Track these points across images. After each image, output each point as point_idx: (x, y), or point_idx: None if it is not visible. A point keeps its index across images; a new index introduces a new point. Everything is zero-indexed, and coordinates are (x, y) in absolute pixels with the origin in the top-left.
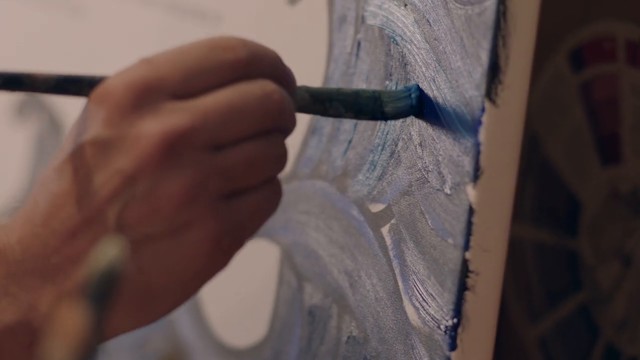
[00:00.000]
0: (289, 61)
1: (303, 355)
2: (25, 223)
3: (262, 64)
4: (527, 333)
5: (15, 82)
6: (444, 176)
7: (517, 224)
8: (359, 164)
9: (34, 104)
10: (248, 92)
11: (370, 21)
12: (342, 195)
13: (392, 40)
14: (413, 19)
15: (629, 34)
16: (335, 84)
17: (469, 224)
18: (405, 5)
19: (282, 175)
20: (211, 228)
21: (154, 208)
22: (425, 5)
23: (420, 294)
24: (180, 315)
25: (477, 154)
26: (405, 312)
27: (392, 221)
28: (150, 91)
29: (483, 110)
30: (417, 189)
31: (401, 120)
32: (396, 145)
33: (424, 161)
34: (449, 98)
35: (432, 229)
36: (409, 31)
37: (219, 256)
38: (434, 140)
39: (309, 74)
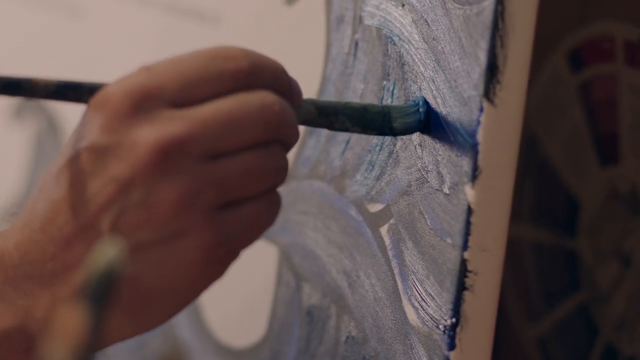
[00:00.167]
0: (286, 61)
1: (302, 355)
2: (24, 228)
3: (264, 75)
4: (526, 333)
5: (14, 87)
6: (443, 176)
7: (516, 224)
8: (357, 164)
9: (33, 106)
10: (247, 102)
11: (367, 21)
12: (341, 195)
13: (389, 40)
14: (411, 19)
15: (628, 34)
16: (333, 84)
17: (468, 223)
18: (403, 5)
19: None
20: (205, 237)
21: (148, 216)
22: (423, 6)
23: (419, 294)
24: (179, 317)
25: (476, 153)
26: (404, 312)
27: (391, 221)
28: (148, 98)
29: (481, 110)
30: (417, 189)
31: None
32: (394, 145)
33: (423, 161)
34: (448, 98)
35: (431, 229)
36: (407, 31)
37: (212, 266)
38: (434, 140)
39: (306, 74)
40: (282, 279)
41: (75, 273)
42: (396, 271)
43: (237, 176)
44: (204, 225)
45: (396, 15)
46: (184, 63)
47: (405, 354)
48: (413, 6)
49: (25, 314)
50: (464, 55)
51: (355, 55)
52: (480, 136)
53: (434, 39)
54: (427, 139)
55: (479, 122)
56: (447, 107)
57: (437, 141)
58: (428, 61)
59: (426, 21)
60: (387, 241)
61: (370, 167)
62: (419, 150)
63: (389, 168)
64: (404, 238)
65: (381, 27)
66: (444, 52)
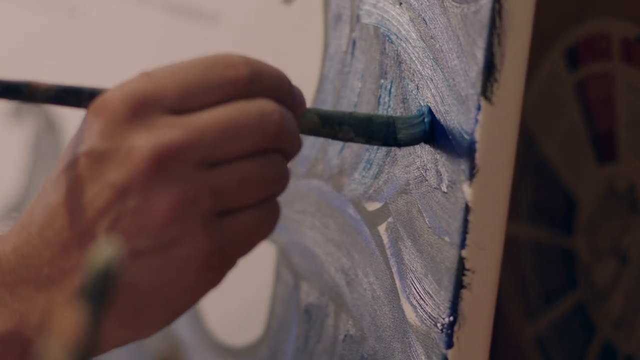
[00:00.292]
0: (284, 60)
1: (300, 354)
2: (22, 232)
3: (265, 83)
4: (523, 331)
5: (14, 91)
6: (441, 174)
7: (513, 222)
8: (355, 163)
9: (31, 105)
10: (246, 110)
11: (365, 20)
12: (338, 193)
13: (387, 38)
14: (408, 18)
15: (624, 32)
16: (331, 82)
17: (465, 222)
18: (400, 4)
19: None
20: (200, 245)
21: (144, 222)
22: (421, 4)
23: (417, 292)
24: None
25: (473, 152)
26: (402, 311)
27: (389, 219)
28: (147, 104)
29: (479, 108)
30: (415, 187)
31: None
32: None
33: (422, 159)
34: (446, 96)
35: (429, 227)
36: (404, 30)
37: (208, 273)
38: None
39: (304, 72)
40: (280, 277)
41: (72, 278)
42: (394, 269)
43: (234, 184)
44: (200, 232)
45: (393, 13)
46: (184, 70)
47: (403, 353)
48: (410, 5)
49: (20, 318)
50: (462, 53)
51: (352, 53)
52: (477, 134)
53: (431, 37)
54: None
55: (476, 121)
56: (445, 105)
57: (436, 139)
58: (425, 59)
59: (424, 19)
60: (385, 239)
61: (368, 166)
62: (417, 149)
63: (387, 167)
64: (403, 236)
65: (378, 26)
66: (442, 51)
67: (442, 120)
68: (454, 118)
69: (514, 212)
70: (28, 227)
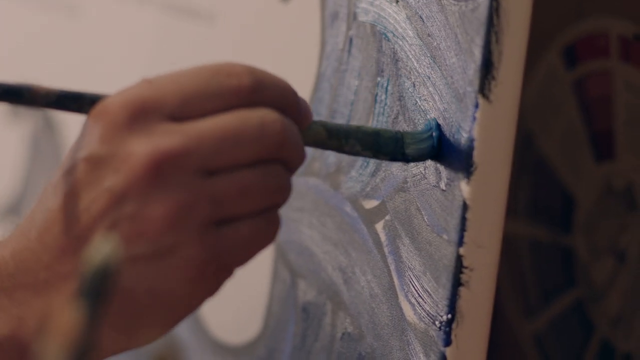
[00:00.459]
0: (281, 58)
1: (297, 352)
2: (21, 237)
3: (268, 93)
4: (522, 329)
5: (15, 95)
6: (440, 172)
7: (511, 220)
8: (352, 161)
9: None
10: (247, 119)
11: (362, 18)
12: (336, 191)
13: (383, 36)
14: (405, 16)
15: (622, 30)
16: (328, 80)
17: (463, 219)
18: (397, 1)
19: None
20: (196, 253)
21: (141, 229)
22: (418, 2)
23: (416, 290)
24: None
25: (471, 149)
26: (400, 309)
27: (387, 217)
28: (147, 111)
29: (477, 106)
30: (413, 185)
31: (393, 116)
32: None
33: None
34: (444, 94)
35: (428, 225)
36: (401, 27)
37: (204, 282)
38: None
39: (301, 70)
40: (278, 275)
41: (69, 282)
42: (392, 267)
43: (233, 193)
44: (195, 241)
45: (390, 11)
46: (186, 77)
47: (401, 350)
48: (407, 2)
49: (19, 323)
50: (460, 51)
51: (349, 51)
52: (475, 132)
53: (428, 35)
54: None
55: (474, 118)
56: (444, 103)
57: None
58: (422, 57)
59: (421, 17)
60: (382, 237)
61: (365, 164)
62: None
63: (384, 164)
64: (401, 234)
65: (375, 24)
66: (440, 48)
67: (441, 119)
68: (452, 116)
69: (513, 210)
70: (27, 232)
